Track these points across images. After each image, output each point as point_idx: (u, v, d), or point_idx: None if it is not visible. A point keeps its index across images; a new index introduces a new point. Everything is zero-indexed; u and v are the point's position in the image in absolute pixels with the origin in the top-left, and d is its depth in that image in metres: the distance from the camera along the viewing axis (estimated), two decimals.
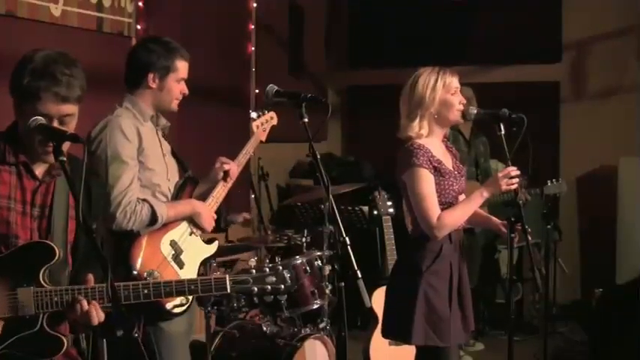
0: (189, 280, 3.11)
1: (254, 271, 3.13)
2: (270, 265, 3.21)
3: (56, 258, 2.93)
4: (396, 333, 4.28)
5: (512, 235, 4.16)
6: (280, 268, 3.17)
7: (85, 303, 2.86)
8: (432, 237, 4.06)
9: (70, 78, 2.94)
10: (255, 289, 3.10)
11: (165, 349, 3.87)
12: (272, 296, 3.16)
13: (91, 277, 2.92)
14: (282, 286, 3.12)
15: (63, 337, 2.95)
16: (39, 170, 3.05)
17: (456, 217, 4.07)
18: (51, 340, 2.94)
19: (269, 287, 3.11)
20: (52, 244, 2.96)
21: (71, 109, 2.97)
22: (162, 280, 3.09)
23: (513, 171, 4.07)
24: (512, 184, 4.07)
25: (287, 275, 3.14)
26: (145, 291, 2.98)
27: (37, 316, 2.91)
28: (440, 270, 4.11)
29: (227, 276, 3.09)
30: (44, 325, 2.92)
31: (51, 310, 2.91)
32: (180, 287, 3.06)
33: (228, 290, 3.08)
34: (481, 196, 4.10)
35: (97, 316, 2.86)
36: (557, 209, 8.44)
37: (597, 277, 8.20)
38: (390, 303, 4.25)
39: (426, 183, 4.03)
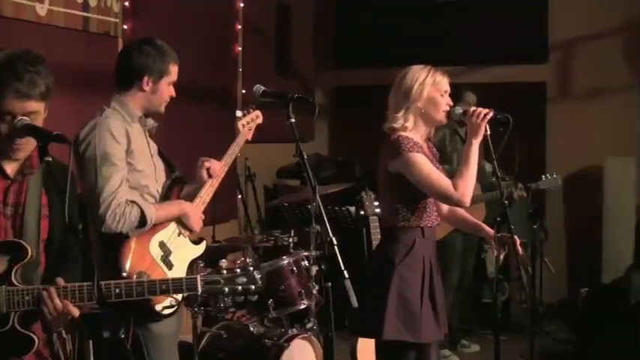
0: (161, 281, 3.13)
1: (225, 271, 3.16)
2: (241, 266, 3.26)
3: (28, 257, 2.93)
4: (366, 328, 4.28)
5: (499, 235, 4.18)
6: (251, 269, 3.18)
7: (57, 301, 2.86)
8: (462, 205, 4.13)
9: (32, 74, 2.90)
10: (226, 289, 3.13)
11: (154, 350, 3.86)
12: (242, 296, 3.18)
13: (60, 280, 2.93)
14: (253, 287, 3.15)
15: (34, 336, 2.95)
16: (10, 169, 3.02)
17: (468, 177, 4.07)
18: (22, 338, 2.94)
19: (239, 288, 3.14)
20: (24, 244, 2.95)
21: (35, 106, 2.93)
22: (135, 280, 3.11)
23: (477, 109, 4.09)
24: (484, 114, 4.05)
25: (257, 276, 3.16)
26: (117, 290, 2.98)
27: (9, 314, 2.91)
28: (413, 263, 4.14)
29: (198, 276, 3.13)
30: (15, 324, 2.92)
31: (22, 308, 2.91)
32: (151, 287, 3.08)
33: (199, 291, 3.11)
34: (472, 145, 4.10)
35: (71, 311, 2.88)
36: (543, 209, 8.47)
37: (584, 277, 8.24)
38: (361, 297, 4.21)
39: (425, 164, 4.07)
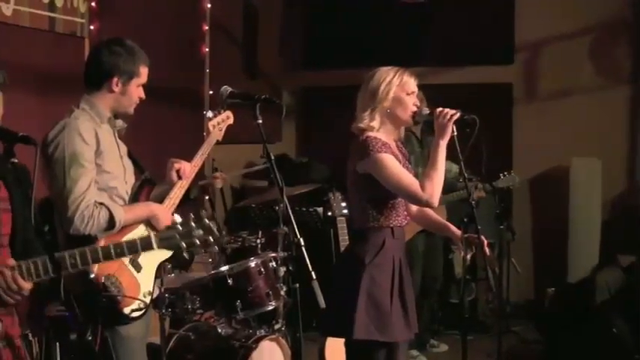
0: (115, 244, 3.06)
1: (180, 227, 3.07)
2: (196, 218, 3.10)
3: None
4: (336, 328, 4.28)
5: (466, 235, 4.21)
6: (206, 220, 3.09)
7: (9, 278, 2.86)
8: (430, 206, 4.13)
9: None
10: (184, 243, 3.05)
11: (123, 353, 3.83)
12: (203, 250, 3.14)
13: (11, 260, 2.92)
14: (211, 238, 3.07)
15: None
16: None
17: (435, 178, 4.08)
18: None
19: (197, 241, 3.06)
20: None
21: None
22: (88, 248, 3.04)
23: (444, 110, 4.10)
24: (450, 115, 4.06)
25: (214, 227, 3.08)
26: (72, 261, 2.95)
27: None
28: (383, 263, 4.14)
29: (152, 233, 3.08)
30: None
31: None
32: (106, 252, 3.02)
33: (155, 247, 3.05)
34: (439, 146, 4.10)
35: (21, 285, 2.88)
36: (510, 209, 8.53)
37: (550, 277, 8.31)
38: (331, 297, 4.20)
39: (393, 164, 4.07)
